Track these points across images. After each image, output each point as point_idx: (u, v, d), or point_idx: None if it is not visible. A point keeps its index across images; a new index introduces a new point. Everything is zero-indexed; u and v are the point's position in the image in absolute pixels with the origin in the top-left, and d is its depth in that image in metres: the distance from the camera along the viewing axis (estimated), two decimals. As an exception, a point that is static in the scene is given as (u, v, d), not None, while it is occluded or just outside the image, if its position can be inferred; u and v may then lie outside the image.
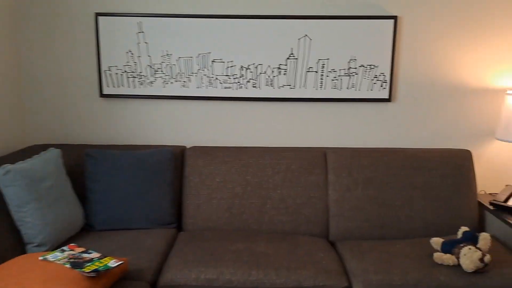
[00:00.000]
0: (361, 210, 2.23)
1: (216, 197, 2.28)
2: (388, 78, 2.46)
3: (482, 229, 2.27)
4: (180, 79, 2.52)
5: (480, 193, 2.42)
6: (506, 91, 2.40)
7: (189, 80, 2.52)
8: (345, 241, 2.18)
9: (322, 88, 2.50)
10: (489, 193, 2.44)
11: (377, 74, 2.47)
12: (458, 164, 2.26)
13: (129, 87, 2.53)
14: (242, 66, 2.50)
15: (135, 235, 2.11)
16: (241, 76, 2.51)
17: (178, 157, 2.37)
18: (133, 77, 2.52)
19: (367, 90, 2.49)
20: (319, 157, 2.33)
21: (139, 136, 2.57)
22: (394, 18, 2.40)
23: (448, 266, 1.82)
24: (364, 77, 2.48)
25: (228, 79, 2.52)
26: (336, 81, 2.49)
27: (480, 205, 2.27)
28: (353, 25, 2.43)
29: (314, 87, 2.51)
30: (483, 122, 2.47)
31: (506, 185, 2.25)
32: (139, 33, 2.47)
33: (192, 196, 2.29)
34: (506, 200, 2.15)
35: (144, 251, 1.94)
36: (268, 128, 2.57)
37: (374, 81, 2.48)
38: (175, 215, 2.29)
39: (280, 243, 2.06)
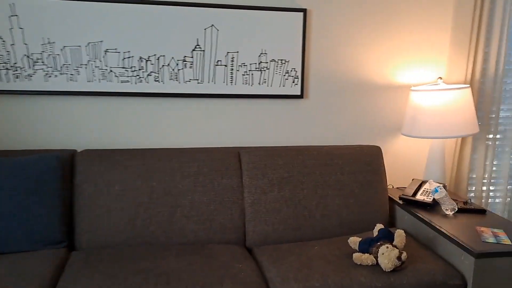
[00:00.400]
0: (278, 213, 2.11)
1: (115, 208, 1.98)
2: (299, 74, 2.38)
3: (393, 224, 2.30)
4: (66, 72, 2.15)
5: (389, 187, 2.47)
6: (410, 87, 2.47)
7: (78, 73, 2.17)
8: (262, 246, 2.05)
9: (233, 83, 2.33)
10: (397, 187, 2.50)
11: (289, 69, 2.36)
12: (368, 161, 2.26)
13: (1, 81, 2.09)
14: (141, 57, 2.22)
15: (13, 260, 1.73)
16: (141, 68, 2.23)
17: (66, 163, 2.01)
18: (6, 69, 2.09)
19: (279, 86, 2.37)
20: (233, 158, 2.16)
21: (16, 139, 2.15)
22: (304, 11, 2.32)
23: (367, 266, 1.77)
24: (276, 72, 2.36)
25: (125, 72, 2.22)
26: (247, 76, 2.33)
27: (391, 200, 2.31)
28: (263, 16, 2.29)
29: (224, 82, 2.32)
30: (390, 118, 2.51)
31: (413, 179, 2.31)
32: (12, 17, 2.05)
33: (86, 209, 1.96)
34: (414, 194, 2.19)
35: (26, 280, 1.58)
36: (175, 127, 2.33)
37: (286, 77, 2.37)
38: (66, 232, 1.94)
39: (193, 256, 1.84)
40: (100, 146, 2.26)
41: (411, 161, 2.56)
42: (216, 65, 2.30)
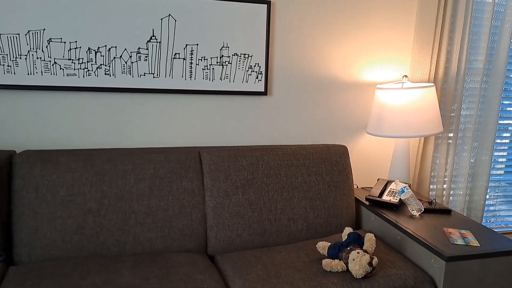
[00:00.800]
0: (241, 217, 1.98)
1: (61, 216, 1.77)
2: (263, 70, 2.25)
3: (359, 226, 2.24)
4: (3, 63, 1.91)
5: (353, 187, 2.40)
6: (376, 85, 2.42)
7: (16, 65, 1.92)
8: (226, 253, 1.91)
9: (192, 78, 2.17)
10: (362, 187, 2.45)
11: (252, 64, 2.23)
12: (335, 161, 2.18)
13: None
14: (90, 48, 2.01)
15: None
16: (89, 60, 2.02)
17: (3, 166, 1.77)
18: None
19: (242, 82, 2.24)
20: (193, 159, 2.00)
21: None
22: (268, 3, 2.19)
23: (337, 272, 1.69)
24: (239, 67, 2.22)
25: (72, 64, 2.00)
26: (207, 70, 2.18)
27: (357, 201, 2.24)
28: (225, 7, 2.14)
29: (182, 76, 2.15)
30: (355, 116, 2.45)
31: (378, 179, 2.25)
32: None
33: (26, 217, 1.74)
34: (381, 194, 2.14)
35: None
36: (128, 125, 2.13)
37: (249, 72, 2.24)
38: (2, 244, 1.71)
39: (150, 268, 1.67)
40: (43, 147, 2.03)
41: (375, 160, 2.52)
42: (174, 58, 2.13)
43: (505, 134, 2.92)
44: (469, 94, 2.61)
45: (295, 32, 2.28)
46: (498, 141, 2.88)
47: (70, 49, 1.99)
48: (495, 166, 2.92)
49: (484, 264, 1.68)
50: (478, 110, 2.61)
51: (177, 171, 1.95)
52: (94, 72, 2.04)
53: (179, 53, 2.13)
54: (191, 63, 2.16)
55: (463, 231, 1.84)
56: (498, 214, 3.03)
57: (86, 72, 2.02)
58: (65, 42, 1.97)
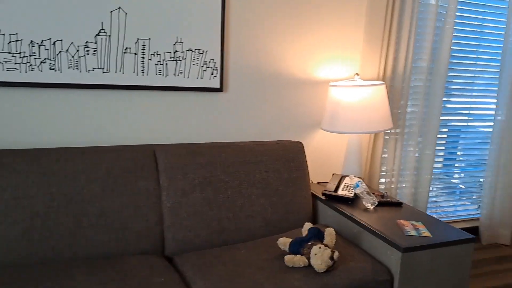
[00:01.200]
0: (200, 216, 1.94)
1: (5, 221, 1.63)
2: (218, 66, 2.22)
3: (315, 220, 2.28)
4: None
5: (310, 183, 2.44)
6: (329, 82, 2.46)
7: (-51, 57, 1.75)
8: (184, 254, 1.86)
9: (144, 74, 2.09)
10: (317, 182, 2.49)
11: (207, 60, 2.19)
12: (291, 157, 2.19)
13: None
14: (32, 42, 1.87)
15: None
16: (32, 54, 1.89)
17: None
18: None
19: (197, 78, 2.19)
20: (147, 157, 1.93)
21: None
22: (222, -2, 2.16)
23: (300, 268, 1.70)
24: (193, 63, 2.17)
25: (12, 58, 1.86)
26: (160, 66, 2.11)
27: (313, 196, 2.27)
28: (177, 0, 2.08)
29: (134, 72, 2.07)
30: (310, 112, 2.48)
31: (333, 174, 2.30)
32: None
33: (-35, 225, 1.59)
34: (336, 189, 2.19)
35: None
36: (76, 123, 2.01)
37: (204, 68, 2.19)
38: None
39: (106, 273, 1.59)
40: (-19, 147, 1.87)
41: (330, 156, 2.57)
42: (125, 52, 2.04)
43: (444, 130, 3.10)
44: (414, 92, 2.74)
45: (250, 28, 2.26)
46: (438, 136, 3.05)
47: (10, 41, 1.84)
48: (436, 160, 3.09)
49: (436, 253, 1.76)
50: (423, 107, 2.75)
51: (131, 170, 1.87)
52: (38, 67, 1.90)
53: (130, 48, 2.04)
54: (143, 58, 2.08)
55: (415, 223, 1.93)
56: (439, 205, 3.21)
57: (29, 66, 1.88)
58: (4, 34, 1.83)
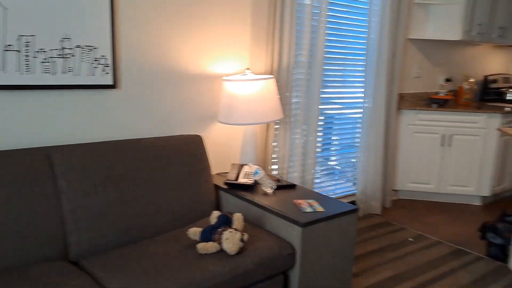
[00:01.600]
0: (103, 217, 1.89)
1: None
2: (110, 62, 2.16)
3: (219, 209, 2.37)
4: None
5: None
6: (222, 77, 2.57)
7: None
8: (91, 257, 1.80)
9: (30, 72, 1.94)
10: (217, 173, 2.58)
11: (98, 57, 2.12)
12: (192, 150, 2.25)
13: None
14: None
15: None
16: None
17: None
18: None
19: (88, 76, 2.11)
20: (42, 161, 1.81)
21: None
22: (111, -7, 2.11)
23: (212, 254, 1.79)
24: (83, 59, 2.08)
25: None
26: (47, 63, 1.99)
27: (215, 186, 2.37)
28: (63, -5, 1.99)
29: (17, 70, 1.91)
30: (206, 106, 2.55)
31: (232, 164, 2.42)
32: None
33: None
34: (237, 178, 2.31)
35: None
36: (-50, 129, 1.80)
37: (95, 65, 2.12)
38: None
39: (11, 284, 1.47)
40: None
41: (227, 147, 2.68)
42: (6, 50, 1.88)
43: (321, 118, 3.44)
44: (297, 84, 3.00)
45: (142, 25, 2.25)
46: (318, 123, 3.38)
47: None
48: (317, 146, 3.43)
49: (329, 225, 2.00)
50: (305, 98, 3.03)
51: (25, 175, 1.75)
52: None
53: (12, 45, 1.89)
54: (27, 55, 1.94)
55: (309, 201, 2.15)
56: (322, 186, 3.57)
57: None
58: None
